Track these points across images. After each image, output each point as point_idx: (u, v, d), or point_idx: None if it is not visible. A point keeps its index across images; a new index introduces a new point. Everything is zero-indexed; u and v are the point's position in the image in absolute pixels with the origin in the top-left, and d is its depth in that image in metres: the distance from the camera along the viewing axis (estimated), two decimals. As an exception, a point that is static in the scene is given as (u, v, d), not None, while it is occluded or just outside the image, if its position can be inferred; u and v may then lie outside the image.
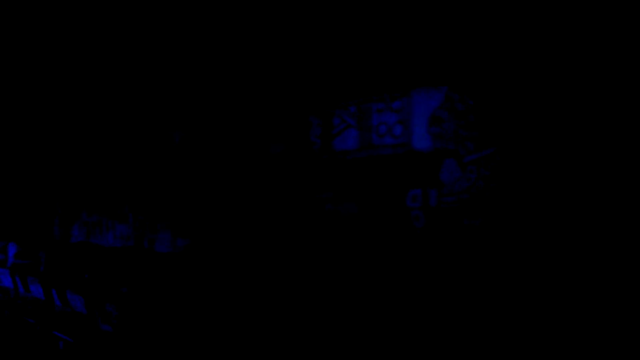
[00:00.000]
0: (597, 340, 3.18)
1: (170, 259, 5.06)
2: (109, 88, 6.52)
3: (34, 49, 5.66)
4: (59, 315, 5.59)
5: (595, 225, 3.27)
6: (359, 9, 4.57)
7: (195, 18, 5.18)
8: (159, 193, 6.52)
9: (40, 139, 9.14)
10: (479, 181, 3.89)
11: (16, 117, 8.53)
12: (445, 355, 3.84)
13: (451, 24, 3.99)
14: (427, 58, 4.24)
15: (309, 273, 4.81)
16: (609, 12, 3.17)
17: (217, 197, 5.71)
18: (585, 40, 3.30)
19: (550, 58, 3.49)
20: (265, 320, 4.57)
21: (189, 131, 6.13)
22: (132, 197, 6.97)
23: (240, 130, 5.63)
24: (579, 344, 3.25)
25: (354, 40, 4.70)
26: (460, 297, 3.90)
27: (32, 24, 5.08)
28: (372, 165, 4.69)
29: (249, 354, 4.45)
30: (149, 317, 4.89)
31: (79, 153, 8.17)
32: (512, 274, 3.68)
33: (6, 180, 9.80)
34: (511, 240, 3.72)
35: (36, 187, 9.28)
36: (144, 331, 4.87)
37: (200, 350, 4.55)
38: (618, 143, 3.17)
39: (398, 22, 4.37)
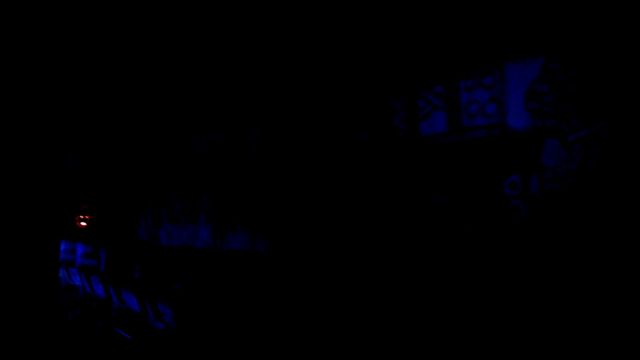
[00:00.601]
0: None
1: (243, 258, 5.05)
2: (187, 83, 6.69)
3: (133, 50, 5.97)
4: (118, 312, 5.91)
5: None
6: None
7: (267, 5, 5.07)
8: (237, 190, 6.60)
9: (123, 140, 9.78)
10: (588, 162, 3.30)
11: (107, 118, 9.19)
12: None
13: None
14: (519, 25, 3.69)
15: (401, 273, 4.51)
16: None
17: (297, 193, 5.60)
18: None
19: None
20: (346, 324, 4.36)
21: (268, 125, 6.09)
22: (210, 194, 7.15)
23: (321, 120, 5.44)
24: None
25: (433, 11, 4.26)
26: (576, 301, 3.36)
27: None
28: (464, 150, 4.24)
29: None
30: (205, 315, 4.94)
31: (157, 152, 8.61)
32: (634, 273, 3.07)
33: (95, 184, 10.63)
34: (629, 231, 3.09)
35: (121, 190, 9.99)
36: (198, 329, 4.93)
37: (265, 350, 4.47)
38: None
39: (484, -13, 3.86)
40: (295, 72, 5.53)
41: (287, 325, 4.66)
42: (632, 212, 3.09)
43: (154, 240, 9.98)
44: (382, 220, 4.75)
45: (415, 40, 4.43)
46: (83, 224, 12.13)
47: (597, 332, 3.17)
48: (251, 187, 6.56)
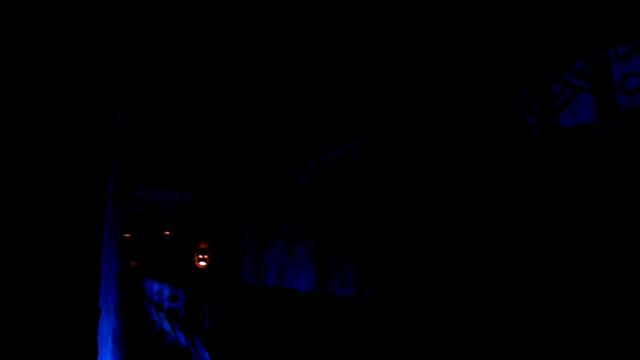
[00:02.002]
0: None
1: (348, 303, 4.25)
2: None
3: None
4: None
5: None
6: None
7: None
8: (340, 224, 5.96)
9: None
10: None
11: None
12: None
13: None
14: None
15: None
16: None
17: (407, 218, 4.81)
18: None
19: None
20: None
21: (368, 138, 5.45)
22: (312, 231, 6.55)
23: (426, 125, 4.69)
24: None
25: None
26: None
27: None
28: (619, 142, 3.20)
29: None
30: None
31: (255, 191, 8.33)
32: None
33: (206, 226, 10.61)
34: None
35: (225, 233, 9.83)
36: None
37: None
38: None
39: None
40: (396, 69, 4.91)
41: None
42: None
43: (253, 281, 9.70)
44: (521, 236, 3.77)
45: (542, 10, 3.57)
46: (202, 263, 12.43)
47: None
48: (354, 215, 5.92)
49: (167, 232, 14.68)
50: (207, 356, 4.78)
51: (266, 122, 6.70)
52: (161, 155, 8.66)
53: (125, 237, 12.56)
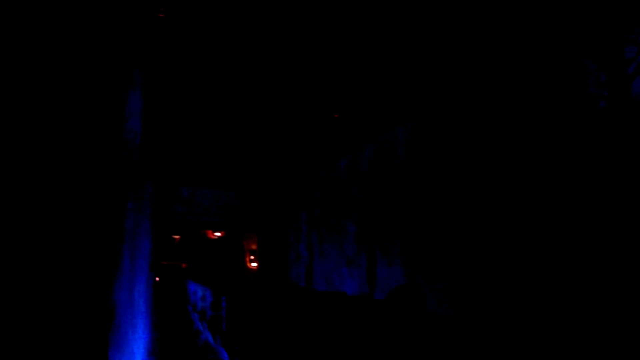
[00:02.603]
0: None
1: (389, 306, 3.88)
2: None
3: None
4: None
5: None
6: None
7: None
8: (386, 224, 5.57)
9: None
10: None
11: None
12: None
13: None
14: None
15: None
16: None
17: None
18: None
19: None
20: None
21: (416, 124, 5.04)
22: (359, 231, 6.19)
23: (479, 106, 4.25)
24: None
25: None
26: None
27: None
28: None
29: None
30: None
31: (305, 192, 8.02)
32: None
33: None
34: None
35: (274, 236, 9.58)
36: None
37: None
38: None
39: None
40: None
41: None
42: None
43: (302, 283, 9.40)
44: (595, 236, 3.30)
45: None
46: (255, 264, 12.26)
47: None
48: (406, 211, 5.52)
49: (219, 234, 14.73)
50: (226, 355, 4.59)
51: (315, 120, 6.44)
52: (207, 154, 8.57)
53: (174, 238, 12.65)
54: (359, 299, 4.84)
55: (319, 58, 4.72)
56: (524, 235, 3.82)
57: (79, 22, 2.36)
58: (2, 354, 2.21)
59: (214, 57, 4.84)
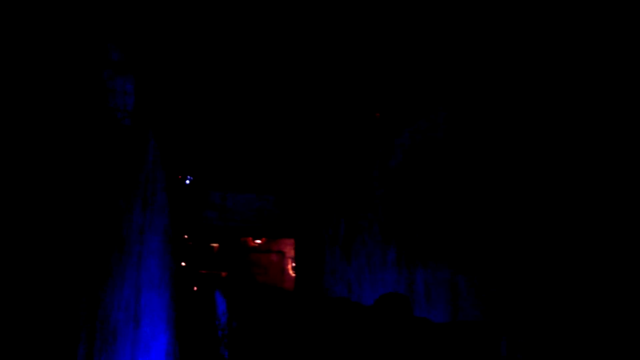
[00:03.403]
0: None
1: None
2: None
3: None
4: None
5: None
6: None
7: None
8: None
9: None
10: None
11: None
12: None
13: None
14: None
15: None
16: None
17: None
18: None
19: None
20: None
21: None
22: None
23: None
24: None
25: None
26: None
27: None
28: None
29: None
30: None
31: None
32: None
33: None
34: None
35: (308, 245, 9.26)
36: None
37: None
38: None
39: None
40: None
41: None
42: None
43: (334, 294, 9.04)
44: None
45: None
46: (292, 274, 12.05)
47: None
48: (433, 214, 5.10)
49: (259, 241, 14.67)
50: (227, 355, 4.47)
51: (358, 118, 6.21)
52: (242, 156, 8.48)
53: (213, 247, 12.65)
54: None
55: (364, 55, 4.50)
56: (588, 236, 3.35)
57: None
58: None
59: (251, 54, 4.68)
